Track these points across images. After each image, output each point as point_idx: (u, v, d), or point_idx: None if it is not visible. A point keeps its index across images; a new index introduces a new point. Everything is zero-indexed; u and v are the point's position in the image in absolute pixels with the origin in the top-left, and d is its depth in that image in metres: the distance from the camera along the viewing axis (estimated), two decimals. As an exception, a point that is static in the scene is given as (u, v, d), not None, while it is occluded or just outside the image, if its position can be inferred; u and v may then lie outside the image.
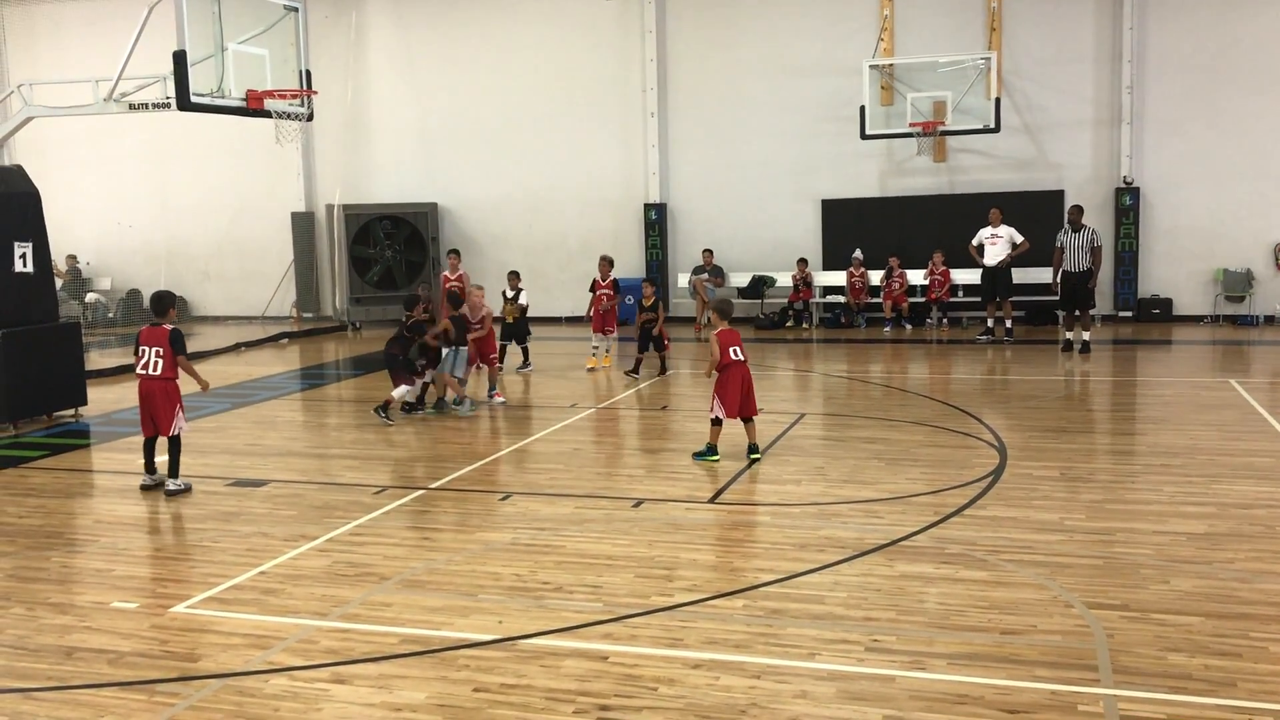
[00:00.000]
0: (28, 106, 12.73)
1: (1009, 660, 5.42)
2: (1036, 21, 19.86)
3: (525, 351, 15.68)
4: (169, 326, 9.22)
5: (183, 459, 9.27)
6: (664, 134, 21.88)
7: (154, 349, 9.12)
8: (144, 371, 9.14)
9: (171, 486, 9.17)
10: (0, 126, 13.15)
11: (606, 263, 16.03)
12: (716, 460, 9.73)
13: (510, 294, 15.43)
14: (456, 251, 17.41)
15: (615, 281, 15.84)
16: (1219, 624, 5.80)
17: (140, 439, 9.57)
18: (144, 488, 9.38)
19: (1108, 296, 19.74)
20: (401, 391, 12.02)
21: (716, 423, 9.78)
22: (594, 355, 15.84)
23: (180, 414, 9.21)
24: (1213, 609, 6.01)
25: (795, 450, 10.09)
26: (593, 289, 16.00)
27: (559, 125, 22.38)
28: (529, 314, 15.77)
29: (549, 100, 22.38)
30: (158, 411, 9.14)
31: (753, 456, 9.75)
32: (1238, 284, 19.37)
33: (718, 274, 21.02)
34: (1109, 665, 5.33)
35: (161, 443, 9.29)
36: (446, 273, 16.54)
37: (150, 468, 9.43)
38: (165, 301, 9.41)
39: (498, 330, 13.89)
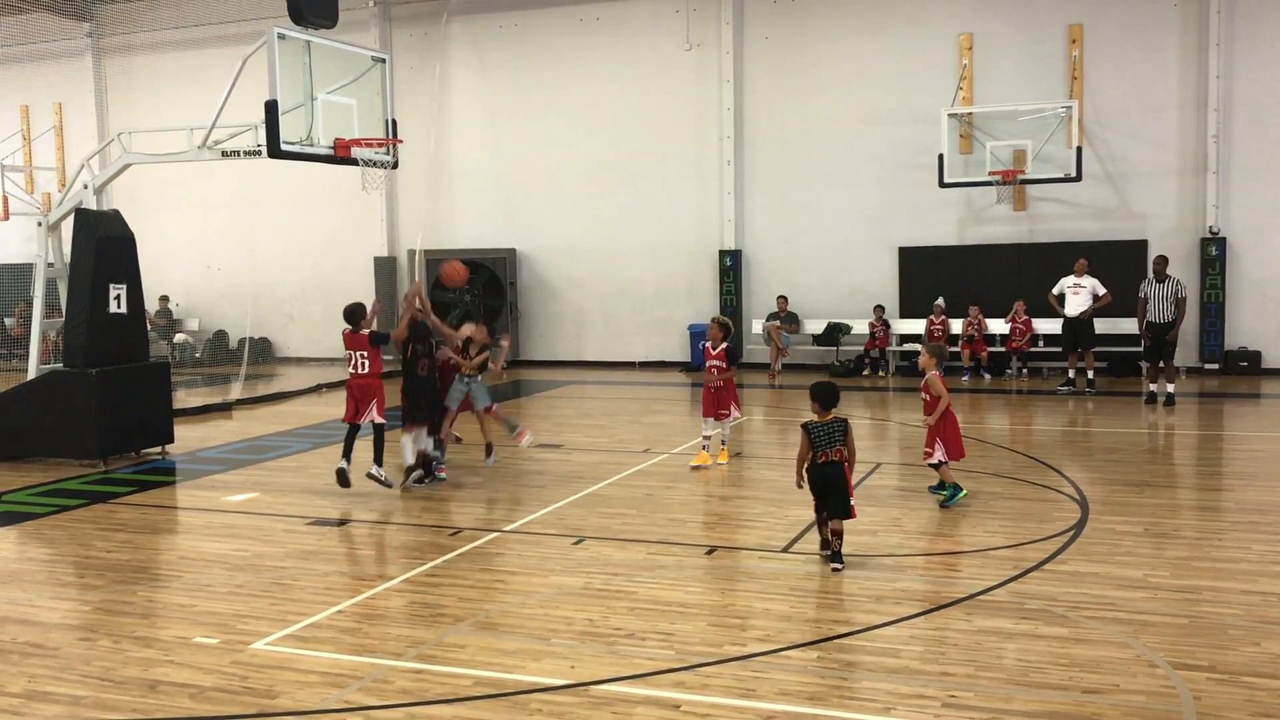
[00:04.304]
0: (126, 154, 13.18)
1: (1091, 720, 5.30)
2: (1119, 70, 19.66)
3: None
4: (366, 332, 10.58)
5: (265, 497, 9.46)
6: (740, 181, 21.98)
7: (359, 353, 10.54)
8: (353, 370, 10.64)
9: (374, 471, 10.63)
10: (100, 173, 13.63)
11: (718, 327, 11.82)
12: (965, 494, 9.83)
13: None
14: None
15: (729, 350, 11.71)
16: (1312, 689, 5.61)
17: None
18: (342, 471, 10.54)
19: (1193, 348, 19.29)
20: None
21: (939, 465, 9.82)
22: (703, 448, 11.87)
23: (382, 405, 10.62)
24: (1306, 673, 5.82)
25: (871, 500, 9.98)
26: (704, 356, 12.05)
27: (636, 172, 22.60)
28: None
29: (626, 147, 22.64)
30: (363, 403, 10.54)
31: (961, 494, 9.82)
32: (1331, 337, 18.84)
33: (792, 320, 20.99)
34: (1196, 729, 5.18)
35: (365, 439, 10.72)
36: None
37: (347, 454, 10.60)
38: (359, 313, 10.70)
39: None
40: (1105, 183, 19.85)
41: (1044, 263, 19.20)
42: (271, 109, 11.88)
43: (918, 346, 20.24)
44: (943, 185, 19.27)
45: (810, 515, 9.29)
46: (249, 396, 18.55)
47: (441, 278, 11.66)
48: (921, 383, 9.94)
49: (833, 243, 21.44)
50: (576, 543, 8.84)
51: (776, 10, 21.59)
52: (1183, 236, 19.54)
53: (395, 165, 13.66)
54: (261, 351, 24.82)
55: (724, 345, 11.74)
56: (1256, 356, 19.26)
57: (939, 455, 9.75)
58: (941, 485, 9.91)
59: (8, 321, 25.42)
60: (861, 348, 20.65)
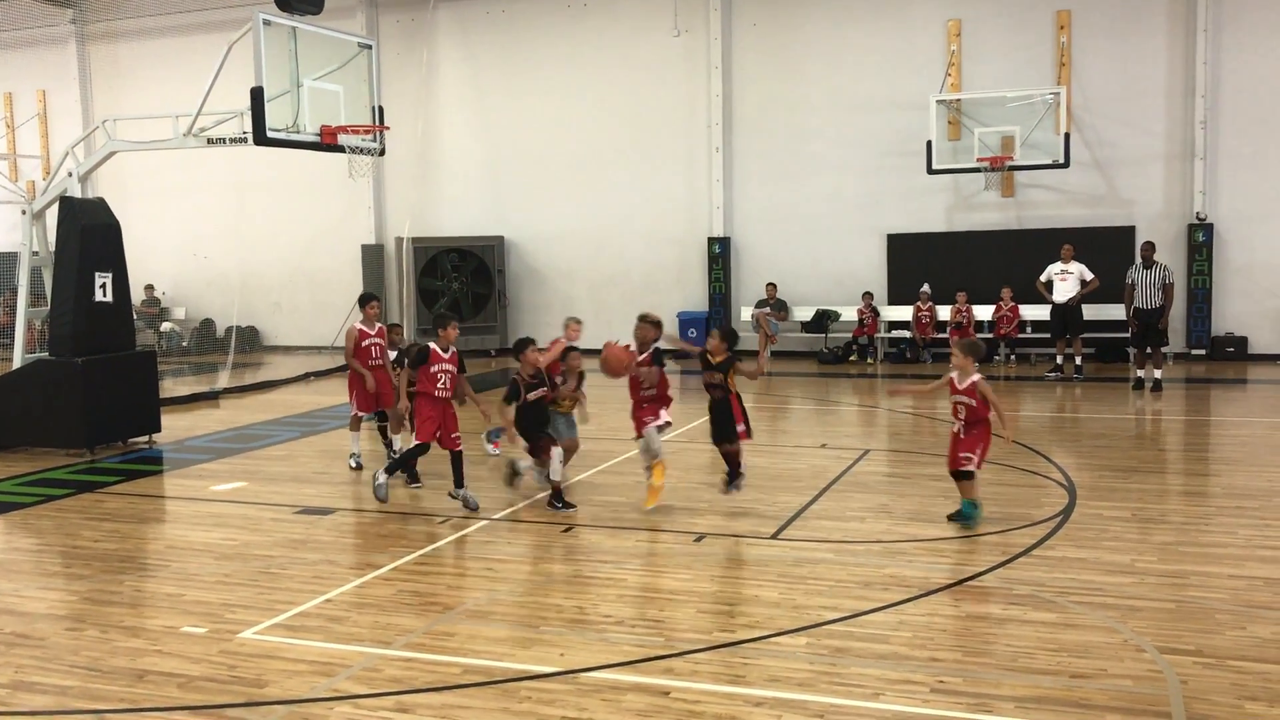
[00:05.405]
0: (111, 141, 13.09)
1: (1079, 705, 5.31)
2: (1107, 56, 19.65)
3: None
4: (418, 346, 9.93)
5: (252, 486, 9.45)
6: (728, 168, 21.95)
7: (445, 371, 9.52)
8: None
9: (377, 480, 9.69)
10: (85, 161, 13.53)
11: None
12: (981, 515, 8.64)
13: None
14: (375, 297, 11.49)
15: (657, 353, 10.07)
16: (1299, 673, 5.63)
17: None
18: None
19: (1180, 334, 19.33)
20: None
21: (971, 476, 8.66)
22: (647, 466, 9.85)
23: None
24: (1292, 657, 5.85)
25: (860, 487, 9.99)
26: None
27: (624, 159, 22.54)
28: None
29: (615, 135, 22.57)
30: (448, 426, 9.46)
31: (979, 514, 8.67)
32: (1317, 322, 18.91)
33: (781, 308, 20.99)
34: (1183, 712, 5.20)
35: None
36: (363, 326, 11.10)
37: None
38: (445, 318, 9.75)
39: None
40: (1093, 169, 19.87)
41: (1032, 249, 19.21)
42: (257, 96, 11.81)
43: (905, 333, 20.35)
44: (931, 172, 19.27)
45: (800, 501, 9.33)
46: (236, 385, 18.48)
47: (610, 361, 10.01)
48: (965, 384, 8.61)
49: (821, 230, 21.42)
50: (566, 530, 8.84)
51: (765, -4, 21.55)
52: (1170, 222, 19.58)
53: (382, 152, 13.59)
54: (249, 340, 24.74)
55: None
56: (1243, 342, 19.33)
57: (975, 465, 8.61)
58: (962, 512, 8.67)
59: (-8, 310, 25.28)
60: (850, 335, 20.67)
